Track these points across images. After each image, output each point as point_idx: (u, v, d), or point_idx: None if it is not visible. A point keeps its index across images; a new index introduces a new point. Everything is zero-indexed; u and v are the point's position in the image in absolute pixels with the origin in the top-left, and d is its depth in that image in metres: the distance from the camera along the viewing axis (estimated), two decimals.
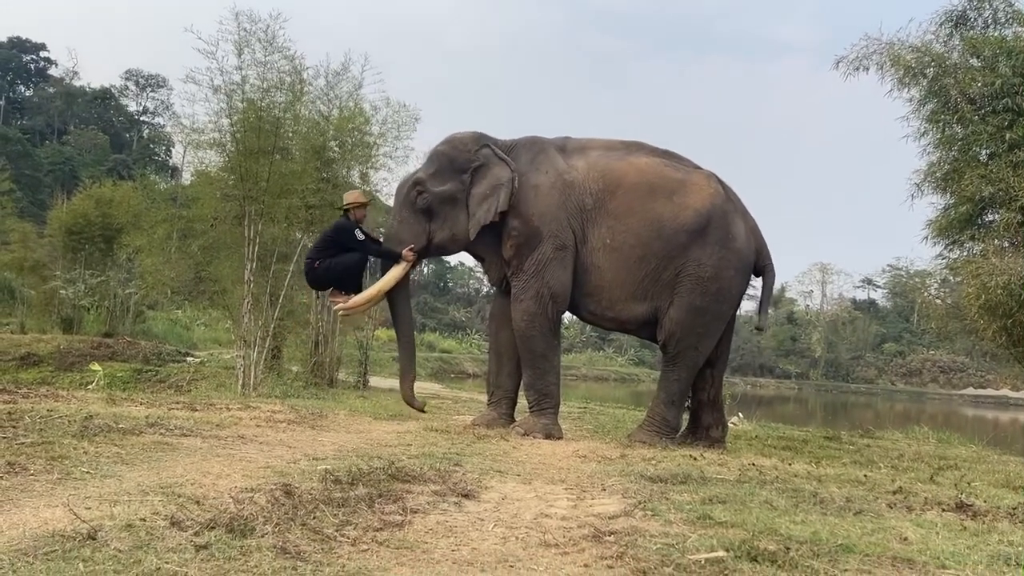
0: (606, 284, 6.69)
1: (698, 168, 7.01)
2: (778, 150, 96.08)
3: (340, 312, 7.54)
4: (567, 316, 7.37)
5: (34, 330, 18.99)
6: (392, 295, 7.11)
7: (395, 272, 6.99)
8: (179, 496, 3.10)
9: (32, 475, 3.35)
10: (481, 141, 7.01)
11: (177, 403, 7.14)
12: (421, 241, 7.00)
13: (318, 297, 12.33)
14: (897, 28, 9.23)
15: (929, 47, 8.90)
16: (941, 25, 8.92)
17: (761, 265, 7.04)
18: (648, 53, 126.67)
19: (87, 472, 3.51)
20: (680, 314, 6.61)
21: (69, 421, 4.85)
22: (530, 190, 6.76)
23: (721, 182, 6.90)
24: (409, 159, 13.54)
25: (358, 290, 7.07)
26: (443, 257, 7.33)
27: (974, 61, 8.68)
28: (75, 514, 2.66)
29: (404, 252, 6.92)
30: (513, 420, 7.06)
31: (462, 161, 6.95)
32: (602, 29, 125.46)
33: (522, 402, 7.26)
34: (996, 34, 8.66)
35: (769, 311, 7.84)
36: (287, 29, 11.98)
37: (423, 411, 7.50)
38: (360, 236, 7.04)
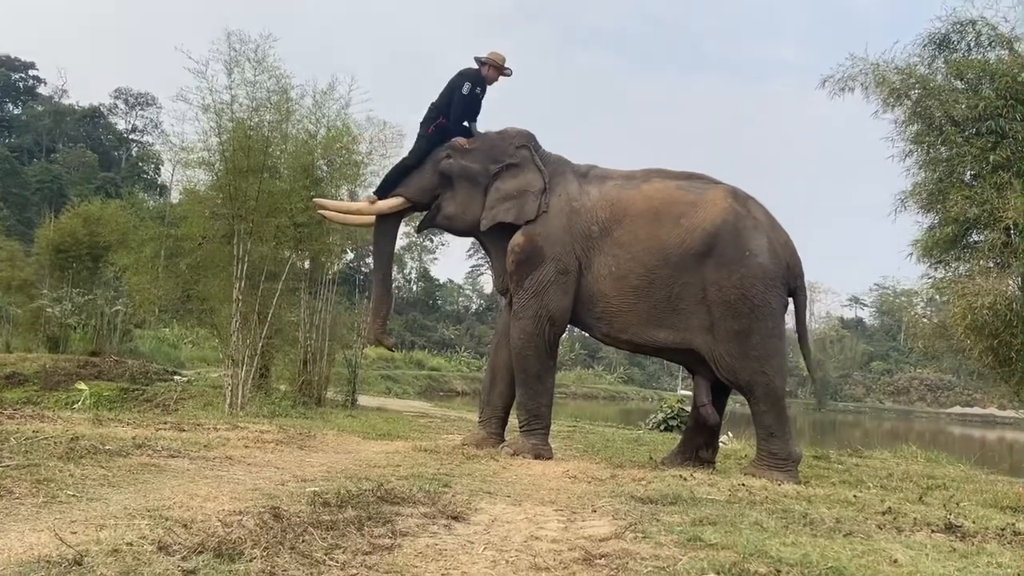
0: (615, 310, 6.59)
1: (717, 184, 6.77)
2: (765, 169, 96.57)
3: (318, 211, 7.92)
4: None
5: (19, 349, 18.81)
6: (379, 227, 7.31)
7: (382, 204, 7.25)
8: (166, 519, 3.08)
9: (17, 498, 3.31)
10: (526, 142, 7.09)
11: (164, 423, 7.09)
12: (424, 197, 7.19)
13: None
14: (882, 50, 9.25)
15: (913, 69, 8.97)
16: (925, 47, 9.00)
17: (793, 285, 6.63)
18: (638, 71, 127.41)
19: (73, 495, 3.48)
20: (724, 346, 6.35)
21: (55, 443, 4.80)
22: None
23: (740, 197, 6.64)
24: None
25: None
26: (451, 234, 7.55)
27: (958, 83, 8.75)
28: (61, 539, 2.63)
29: (400, 193, 7.17)
30: (503, 439, 7.05)
31: (499, 151, 7.06)
32: (593, 49, 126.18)
33: (513, 421, 7.26)
34: (979, 57, 8.74)
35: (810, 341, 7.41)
36: (277, 49, 11.99)
37: (391, 350, 7.79)
38: (465, 91, 7.10)
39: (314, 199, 8.61)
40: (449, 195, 7.14)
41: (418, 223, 7.82)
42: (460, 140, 7.14)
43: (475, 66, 7.25)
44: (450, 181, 7.11)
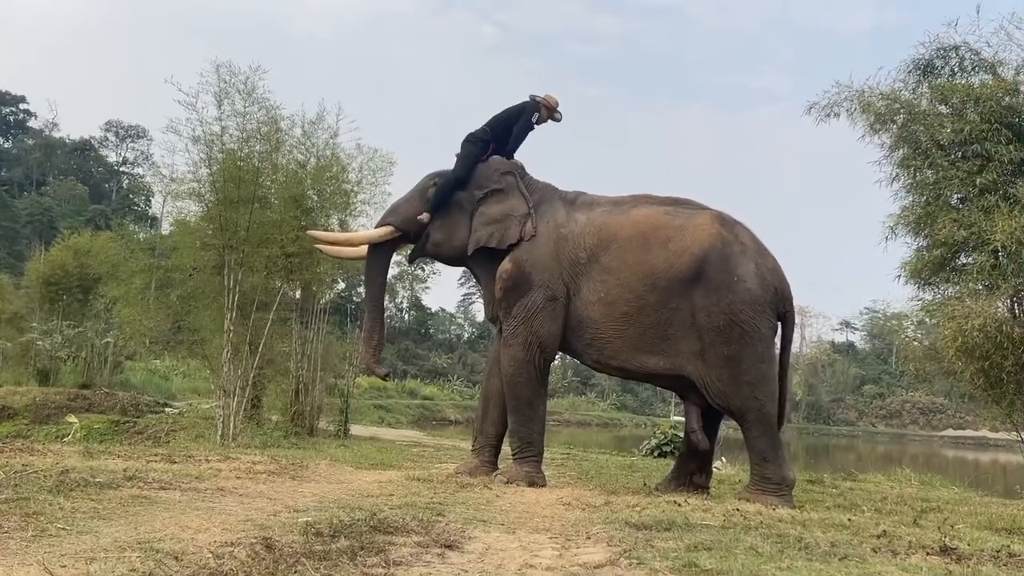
0: (605, 337, 6.54)
1: (705, 210, 6.73)
2: (755, 195, 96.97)
3: (314, 244, 8.26)
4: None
5: (9, 382, 18.70)
6: (370, 257, 7.37)
7: (371, 233, 7.51)
8: (157, 552, 3.05)
9: (6, 532, 3.28)
10: (511, 169, 7.14)
11: (155, 455, 7.05)
12: (412, 225, 7.20)
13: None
14: (867, 76, 9.35)
15: (898, 95, 9.08)
16: (909, 73, 9.11)
17: (782, 310, 6.53)
18: (628, 102, 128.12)
19: (63, 528, 3.45)
20: (715, 372, 6.28)
21: (45, 476, 4.76)
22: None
23: (727, 223, 6.59)
24: (387, 205, 13.58)
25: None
26: (442, 263, 7.70)
27: (943, 108, 8.86)
28: (50, 573, 2.61)
29: (390, 222, 7.26)
30: (496, 467, 7.02)
31: (484, 178, 7.11)
32: (583, 80, 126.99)
33: (506, 449, 7.23)
34: (963, 82, 8.85)
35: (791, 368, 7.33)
36: (265, 80, 12.10)
37: (384, 379, 8.02)
38: (535, 120, 7.24)
39: (308, 231, 8.87)
40: (437, 223, 7.17)
41: (408, 253, 7.85)
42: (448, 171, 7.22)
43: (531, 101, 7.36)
44: (436, 208, 7.17)
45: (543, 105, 7.31)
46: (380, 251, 7.39)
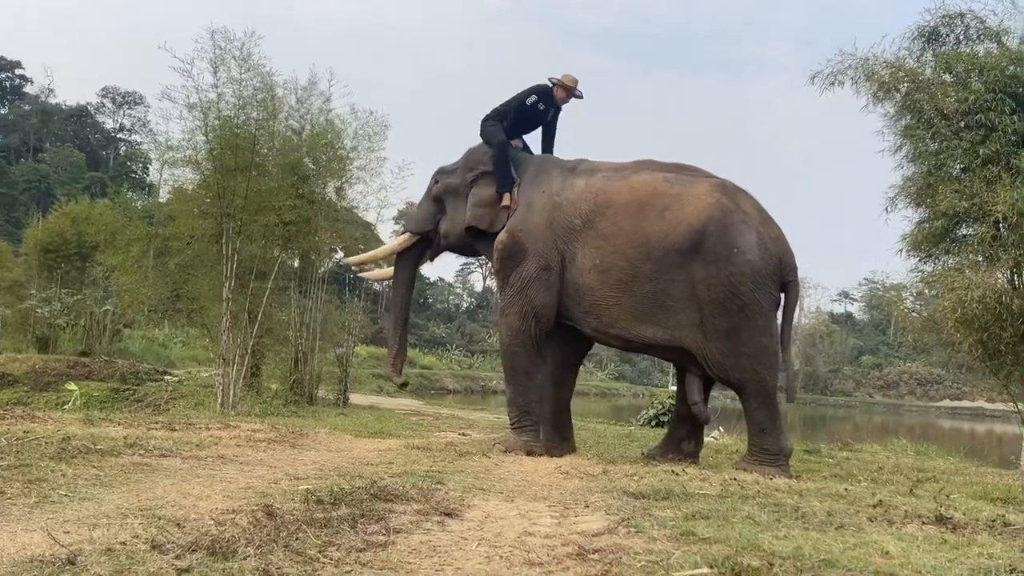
0: (602, 304, 6.47)
1: (708, 177, 6.62)
2: (756, 165, 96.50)
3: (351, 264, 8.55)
4: None
5: (9, 350, 18.72)
6: (395, 268, 7.70)
7: (392, 244, 7.88)
8: (159, 519, 3.07)
9: (9, 499, 3.31)
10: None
11: (156, 423, 7.09)
12: (426, 225, 7.46)
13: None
14: (871, 44, 9.20)
15: (902, 63, 8.96)
16: (913, 41, 8.99)
17: (785, 280, 6.45)
18: (637, 72, 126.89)
19: (65, 495, 3.47)
20: (715, 344, 6.23)
21: (46, 443, 4.79)
22: (523, 207, 6.84)
23: (729, 191, 6.47)
24: (382, 170, 13.49)
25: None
26: (459, 255, 7.89)
27: (947, 76, 8.75)
28: (53, 538, 2.63)
29: (407, 229, 7.64)
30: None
31: (475, 161, 7.21)
32: (592, 50, 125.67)
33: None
34: (968, 50, 8.74)
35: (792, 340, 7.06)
36: (262, 47, 11.97)
37: (403, 388, 8.69)
38: (528, 102, 7.21)
39: (344, 260, 9.52)
40: (443, 216, 7.35)
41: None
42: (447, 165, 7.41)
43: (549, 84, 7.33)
44: (443, 204, 7.34)
45: (560, 85, 7.25)
46: (404, 262, 7.60)
